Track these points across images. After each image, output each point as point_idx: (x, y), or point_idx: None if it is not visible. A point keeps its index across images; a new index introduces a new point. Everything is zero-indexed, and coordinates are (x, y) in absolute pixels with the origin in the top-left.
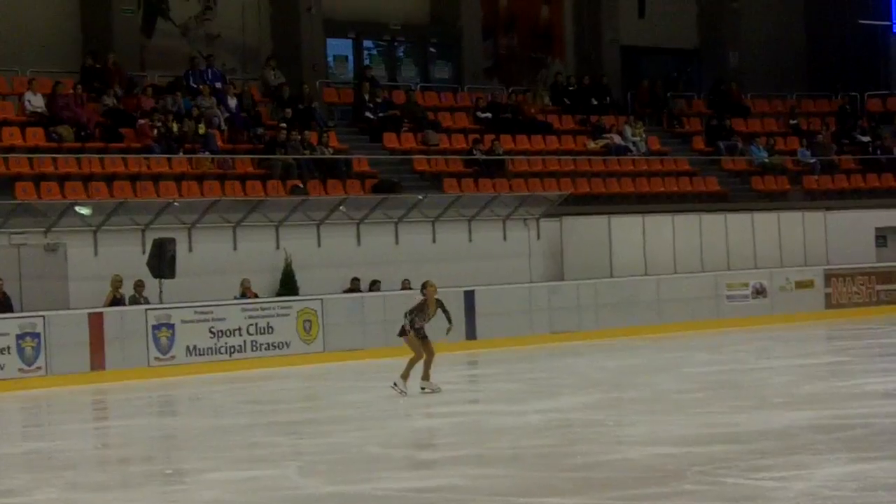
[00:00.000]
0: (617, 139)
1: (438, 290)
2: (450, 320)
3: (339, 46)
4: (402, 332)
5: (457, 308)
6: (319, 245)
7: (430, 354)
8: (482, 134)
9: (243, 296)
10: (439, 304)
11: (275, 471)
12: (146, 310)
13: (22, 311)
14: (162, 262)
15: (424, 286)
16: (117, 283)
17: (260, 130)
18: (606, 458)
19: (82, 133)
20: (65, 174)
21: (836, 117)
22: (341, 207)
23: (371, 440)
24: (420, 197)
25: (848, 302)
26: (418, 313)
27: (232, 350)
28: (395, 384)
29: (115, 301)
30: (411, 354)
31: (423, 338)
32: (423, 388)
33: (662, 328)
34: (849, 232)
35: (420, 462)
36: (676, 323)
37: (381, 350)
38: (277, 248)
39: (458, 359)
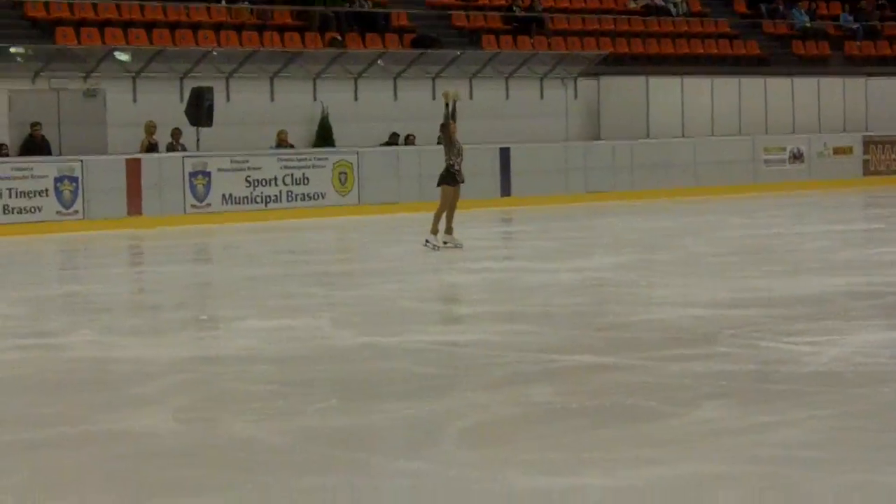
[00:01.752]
0: None
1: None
2: (447, 111)
3: None
4: (451, 180)
5: (491, 165)
6: (356, 99)
7: (454, 205)
8: None
9: (279, 146)
10: (445, 119)
11: (308, 321)
12: (183, 157)
13: (61, 154)
14: (199, 110)
15: (444, 125)
16: (151, 128)
17: None
18: (638, 318)
19: None
20: (105, 20)
21: None
22: (379, 61)
23: (404, 294)
24: (458, 53)
25: (886, 170)
26: (454, 155)
27: (267, 199)
28: (427, 241)
29: (150, 147)
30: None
31: (460, 182)
32: (444, 244)
33: (698, 191)
34: (889, 99)
35: (452, 317)
36: (712, 186)
37: (415, 204)
38: (314, 100)
39: (492, 215)
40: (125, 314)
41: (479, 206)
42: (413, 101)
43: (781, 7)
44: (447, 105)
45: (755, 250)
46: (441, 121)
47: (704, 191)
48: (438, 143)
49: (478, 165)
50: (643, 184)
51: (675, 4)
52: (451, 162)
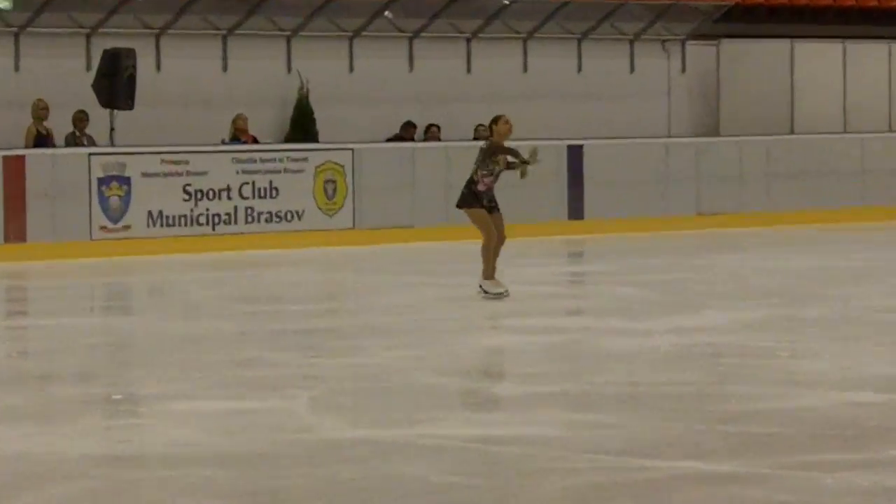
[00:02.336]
0: None
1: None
2: (519, 157)
3: None
4: (471, 201)
5: (555, 171)
6: (352, 69)
7: (501, 237)
8: None
9: (235, 140)
10: (510, 151)
11: (276, 403)
12: (90, 154)
13: None
14: (115, 83)
15: (495, 122)
16: (40, 111)
17: None
18: (774, 405)
19: None
20: None
21: None
22: (387, 12)
23: (418, 363)
24: (506, 2)
25: None
26: (485, 167)
27: (216, 220)
28: (481, 288)
29: (40, 140)
30: (477, 235)
31: (493, 208)
32: (482, 290)
33: (866, 213)
34: None
35: (489, 399)
36: (888, 206)
37: (438, 229)
38: (289, 70)
39: (553, 247)
40: (2, 390)
41: (536, 233)
42: (438, 73)
43: None
44: (521, 161)
45: None
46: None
47: (876, 213)
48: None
49: (534, 172)
50: (784, 201)
51: None
52: (476, 178)
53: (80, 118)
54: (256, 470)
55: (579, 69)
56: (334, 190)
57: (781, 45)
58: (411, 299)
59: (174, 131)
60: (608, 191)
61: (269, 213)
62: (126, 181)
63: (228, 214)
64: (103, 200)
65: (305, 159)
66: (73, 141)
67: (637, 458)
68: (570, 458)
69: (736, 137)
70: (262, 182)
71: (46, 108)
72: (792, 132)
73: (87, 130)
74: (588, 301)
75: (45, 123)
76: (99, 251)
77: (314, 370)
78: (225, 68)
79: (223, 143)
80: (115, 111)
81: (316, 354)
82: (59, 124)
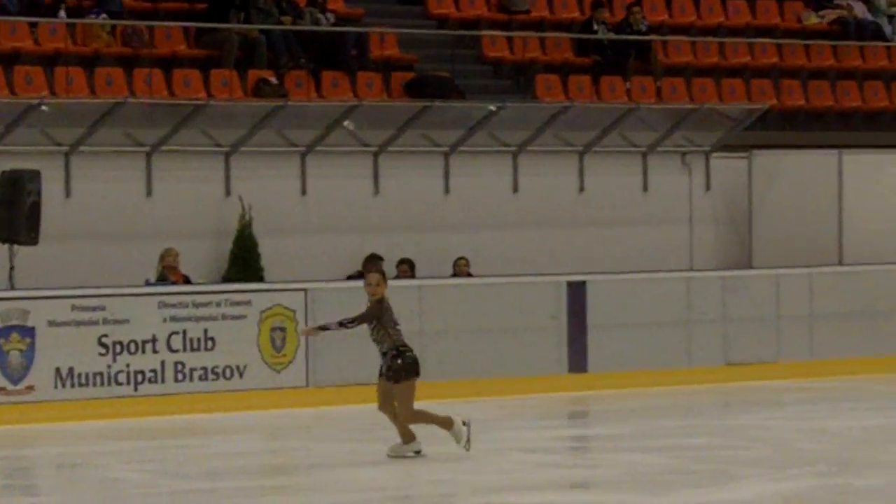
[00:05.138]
0: (859, 9)
1: (387, 279)
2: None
3: None
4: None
5: (554, 313)
6: (304, 192)
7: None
8: None
9: (162, 280)
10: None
11: None
12: None
13: None
14: (14, 213)
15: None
16: None
17: None
18: None
19: None
20: None
21: None
22: (346, 122)
23: None
24: (492, 108)
25: None
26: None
27: (140, 378)
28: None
29: None
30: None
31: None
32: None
33: None
34: None
35: None
36: None
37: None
38: (228, 194)
39: (553, 406)
40: None
41: (530, 389)
42: (409, 195)
43: None
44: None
45: None
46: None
47: None
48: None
49: (527, 314)
50: (831, 348)
51: (892, 19)
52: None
53: None
54: None
55: (581, 188)
56: (283, 340)
57: (828, 157)
58: (377, 473)
59: (87, 270)
60: (616, 337)
61: (204, 368)
62: (29, 332)
63: (154, 371)
64: (1, 356)
65: (248, 303)
66: None
67: None
68: None
69: (772, 270)
70: (194, 331)
71: None
72: (840, 263)
73: None
74: (595, 471)
75: None
76: None
77: None
78: (149, 192)
79: (147, 283)
80: (15, 247)
81: None
82: None
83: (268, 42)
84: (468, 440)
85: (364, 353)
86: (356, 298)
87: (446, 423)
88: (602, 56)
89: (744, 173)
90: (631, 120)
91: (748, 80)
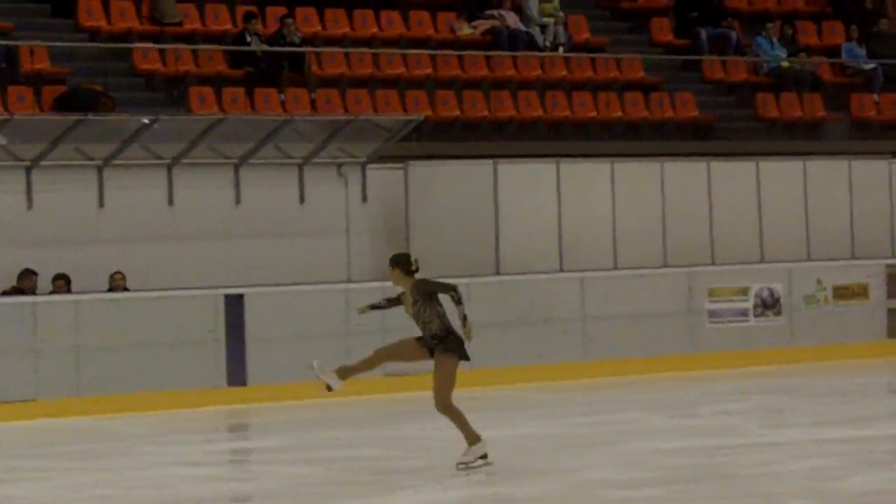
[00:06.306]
0: (511, 19)
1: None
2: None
3: None
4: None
5: (212, 327)
6: None
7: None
8: (262, 4)
9: None
10: (427, 287)
11: None
12: None
13: None
14: None
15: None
16: None
17: None
18: None
19: None
20: None
21: None
22: None
23: None
24: (145, 121)
25: None
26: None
27: None
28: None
29: None
30: None
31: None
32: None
33: (587, 368)
34: None
35: None
36: (616, 358)
37: (65, 402)
38: None
39: (215, 419)
40: None
41: (189, 403)
42: (63, 208)
43: (736, 33)
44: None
45: (699, 475)
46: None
47: (602, 367)
48: None
49: (185, 328)
50: (490, 357)
51: (544, 29)
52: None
53: None
54: None
55: (237, 201)
56: None
57: (483, 167)
58: (35, 490)
59: None
60: (276, 350)
61: None
62: None
63: None
64: None
65: None
66: None
67: None
68: None
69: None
70: None
71: None
72: (497, 272)
73: None
74: (255, 484)
75: None
76: None
77: None
78: None
79: None
80: None
81: None
82: None
83: None
84: (466, 463)
85: (18, 368)
86: (12, 314)
87: (472, 438)
88: (256, 68)
89: (400, 184)
90: (286, 132)
91: (402, 92)
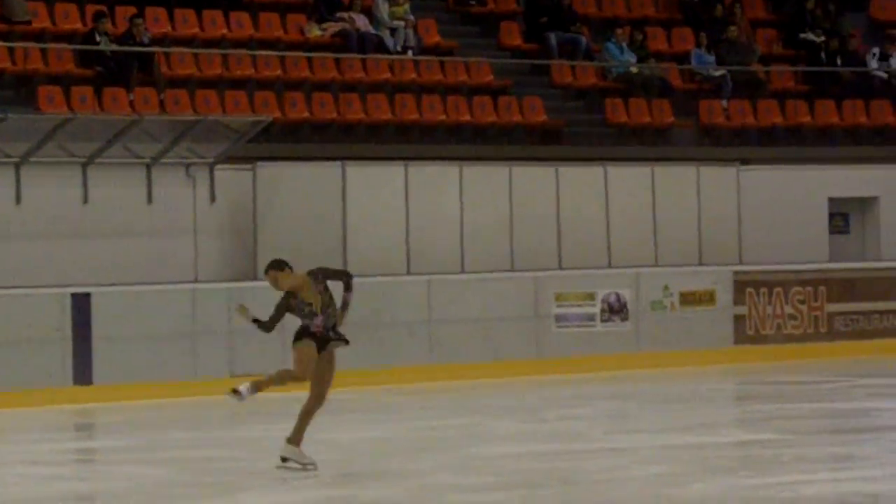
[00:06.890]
0: (361, 22)
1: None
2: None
3: None
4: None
5: (58, 326)
6: None
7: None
8: (112, 4)
9: None
10: (326, 274)
11: None
12: None
13: None
14: None
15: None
16: None
17: None
18: None
19: None
20: None
21: None
22: None
23: None
24: None
25: (776, 333)
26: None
27: None
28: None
29: None
30: None
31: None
32: (284, 460)
33: (434, 371)
34: (782, 205)
35: None
36: (462, 362)
37: None
38: None
39: (60, 418)
40: None
41: (34, 402)
42: None
43: (586, 38)
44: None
45: (543, 480)
46: None
47: (445, 371)
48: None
49: (32, 326)
50: (344, 359)
51: (394, 32)
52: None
53: None
54: None
55: (85, 200)
56: None
57: (331, 169)
58: None
59: None
60: (122, 349)
61: None
62: None
63: None
64: None
65: None
66: None
67: None
68: None
69: None
70: None
71: None
72: None
73: None
74: (100, 484)
75: None
76: None
77: None
78: None
79: None
80: None
81: None
82: None
83: None
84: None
85: None
86: None
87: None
88: (105, 67)
89: (248, 185)
90: (135, 131)
91: (252, 93)
